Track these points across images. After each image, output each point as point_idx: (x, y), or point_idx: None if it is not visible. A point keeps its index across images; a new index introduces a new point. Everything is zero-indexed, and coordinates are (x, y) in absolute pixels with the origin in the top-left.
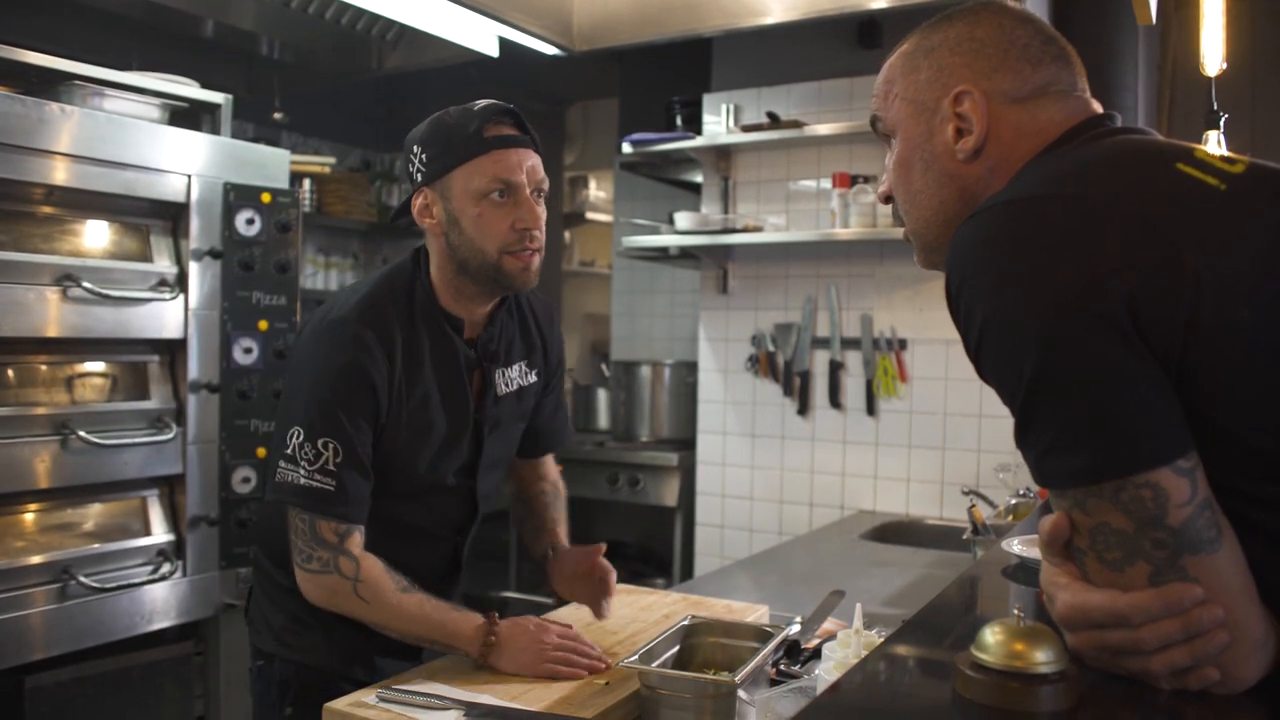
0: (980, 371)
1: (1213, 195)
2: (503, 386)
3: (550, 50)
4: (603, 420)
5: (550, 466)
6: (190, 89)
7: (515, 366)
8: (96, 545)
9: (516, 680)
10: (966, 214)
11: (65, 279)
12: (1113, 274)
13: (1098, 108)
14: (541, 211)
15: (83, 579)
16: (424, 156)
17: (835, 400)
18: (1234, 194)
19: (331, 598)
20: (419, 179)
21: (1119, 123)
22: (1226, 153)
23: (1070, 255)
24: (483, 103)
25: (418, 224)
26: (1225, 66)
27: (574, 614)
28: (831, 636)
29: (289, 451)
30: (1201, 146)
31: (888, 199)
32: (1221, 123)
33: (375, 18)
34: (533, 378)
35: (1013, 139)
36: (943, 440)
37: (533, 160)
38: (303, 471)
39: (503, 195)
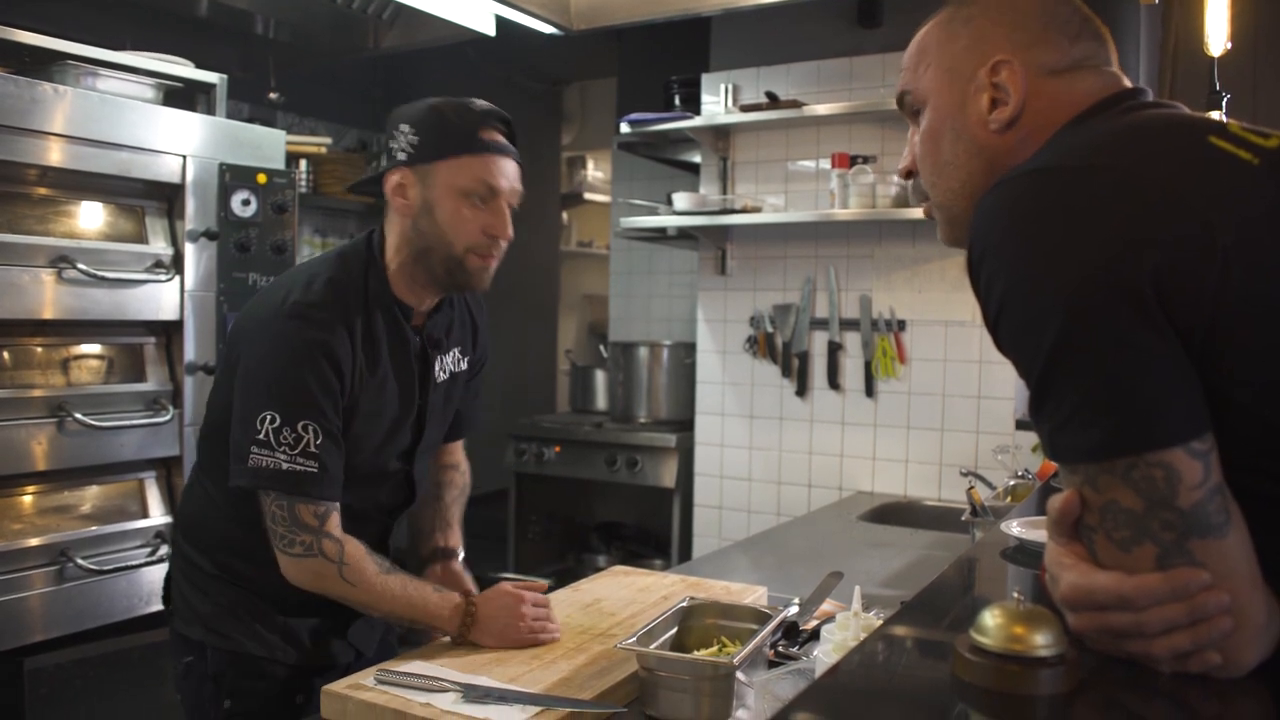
0: (998, 343)
1: (1245, 170)
2: (441, 374)
3: (548, 29)
4: (601, 401)
5: (460, 452)
6: (185, 69)
7: (451, 353)
8: (94, 527)
9: (514, 662)
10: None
11: (60, 261)
12: (1139, 248)
13: (1128, 83)
14: (510, 220)
15: (81, 561)
16: (414, 139)
17: (834, 381)
18: (1267, 169)
19: (318, 581)
20: (401, 158)
21: (1149, 98)
22: (1260, 128)
23: (1096, 227)
24: (483, 105)
25: (389, 201)
26: (1229, 46)
27: (570, 596)
28: (830, 618)
29: (262, 437)
30: (1234, 121)
31: (909, 174)
32: (1224, 103)
33: None
34: (464, 365)
35: (1048, 112)
36: (941, 421)
37: (515, 171)
38: (284, 456)
39: (482, 199)
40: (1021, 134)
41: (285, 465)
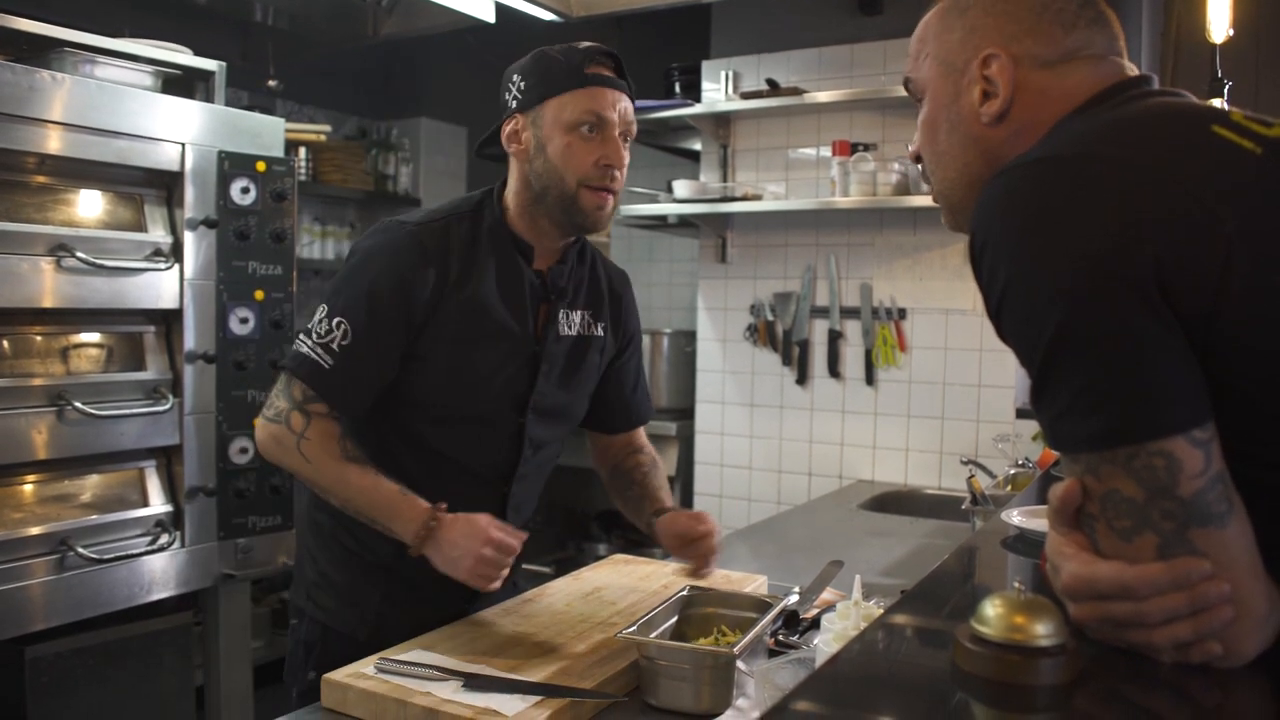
0: (1000, 331)
1: (1248, 159)
2: (565, 327)
3: (547, 16)
4: None
5: (643, 439)
6: (183, 56)
7: (580, 313)
8: (95, 516)
9: (515, 651)
10: (990, 176)
11: (59, 249)
12: (1141, 237)
13: (1132, 71)
14: (626, 155)
15: (81, 550)
16: (522, 85)
17: (834, 370)
18: (1269, 158)
19: (276, 448)
20: (513, 105)
21: (1155, 85)
22: (1263, 116)
23: (1098, 217)
24: (588, 44)
25: (507, 150)
26: (1231, 34)
27: (571, 584)
28: (830, 607)
29: (310, 325)
30: (1238, 110)
31: (917, 158)
32: (1225, 91)
33: None
34: (599, 331)
35: (1038, 103)
36: (942, 410)
37: (626, 103)
38: (310, 341)
39: (592, 130)
40: (1014, 127)
41: (305, 350)
